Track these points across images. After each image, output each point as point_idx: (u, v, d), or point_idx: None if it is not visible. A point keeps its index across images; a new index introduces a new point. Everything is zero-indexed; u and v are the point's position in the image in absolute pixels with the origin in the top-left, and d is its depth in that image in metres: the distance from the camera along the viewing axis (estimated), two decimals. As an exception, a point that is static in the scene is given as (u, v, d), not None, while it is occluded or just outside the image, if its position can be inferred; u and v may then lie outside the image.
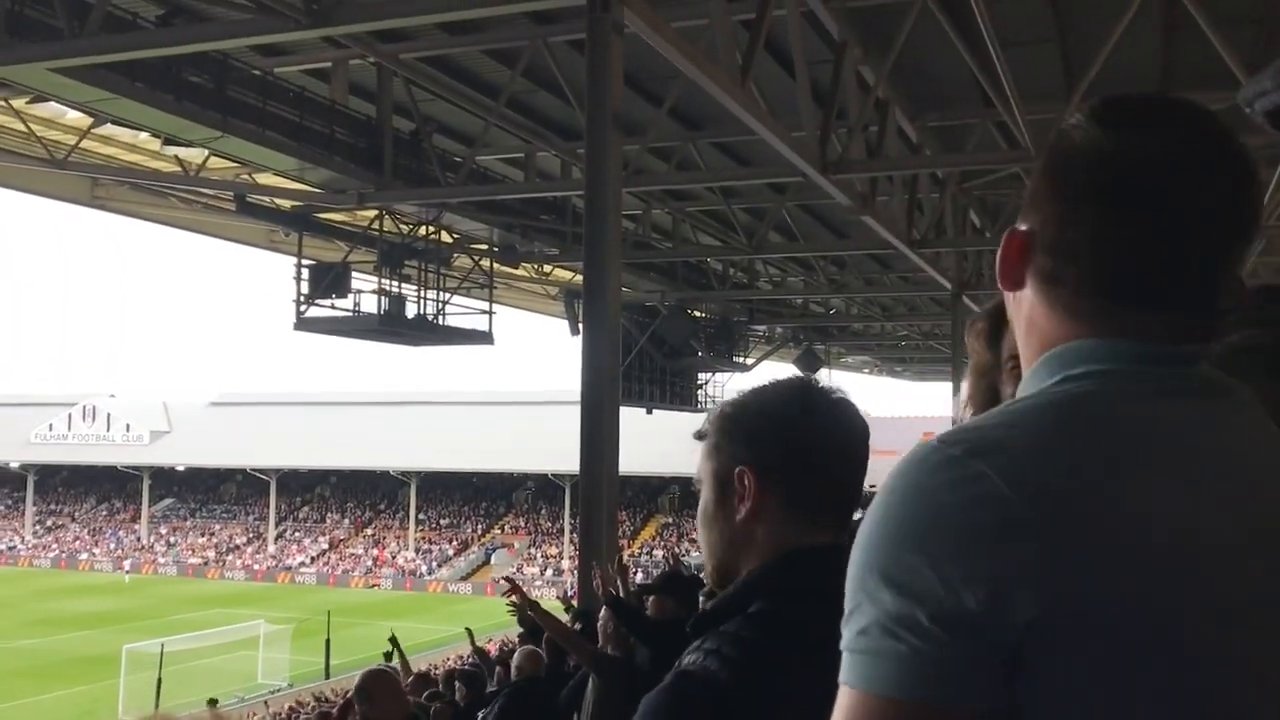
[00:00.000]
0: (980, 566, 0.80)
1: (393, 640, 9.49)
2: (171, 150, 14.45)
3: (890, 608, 0.81)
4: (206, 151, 13.84)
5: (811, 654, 0.99)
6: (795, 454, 1.35)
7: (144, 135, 13.94)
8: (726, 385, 29.63)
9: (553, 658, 6.88)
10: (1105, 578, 0.80)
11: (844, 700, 0.85)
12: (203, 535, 59.91)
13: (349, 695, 4.25)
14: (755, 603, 1.30)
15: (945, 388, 26.96)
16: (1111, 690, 0.81)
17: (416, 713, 5.81)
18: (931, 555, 0.81)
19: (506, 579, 6.84)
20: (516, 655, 7.50)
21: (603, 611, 6.05)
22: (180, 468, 63.03)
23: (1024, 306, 0.98)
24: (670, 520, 55.83)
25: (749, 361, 29.82)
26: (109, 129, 14.03)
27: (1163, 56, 11.38)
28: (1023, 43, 10.64)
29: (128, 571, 55.75)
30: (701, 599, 4.41)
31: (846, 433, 1.38)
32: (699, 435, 1.44)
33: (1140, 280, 0.91)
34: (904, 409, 54.77)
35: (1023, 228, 0.97)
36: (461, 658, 19.31)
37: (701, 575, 5.75)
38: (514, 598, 6.35)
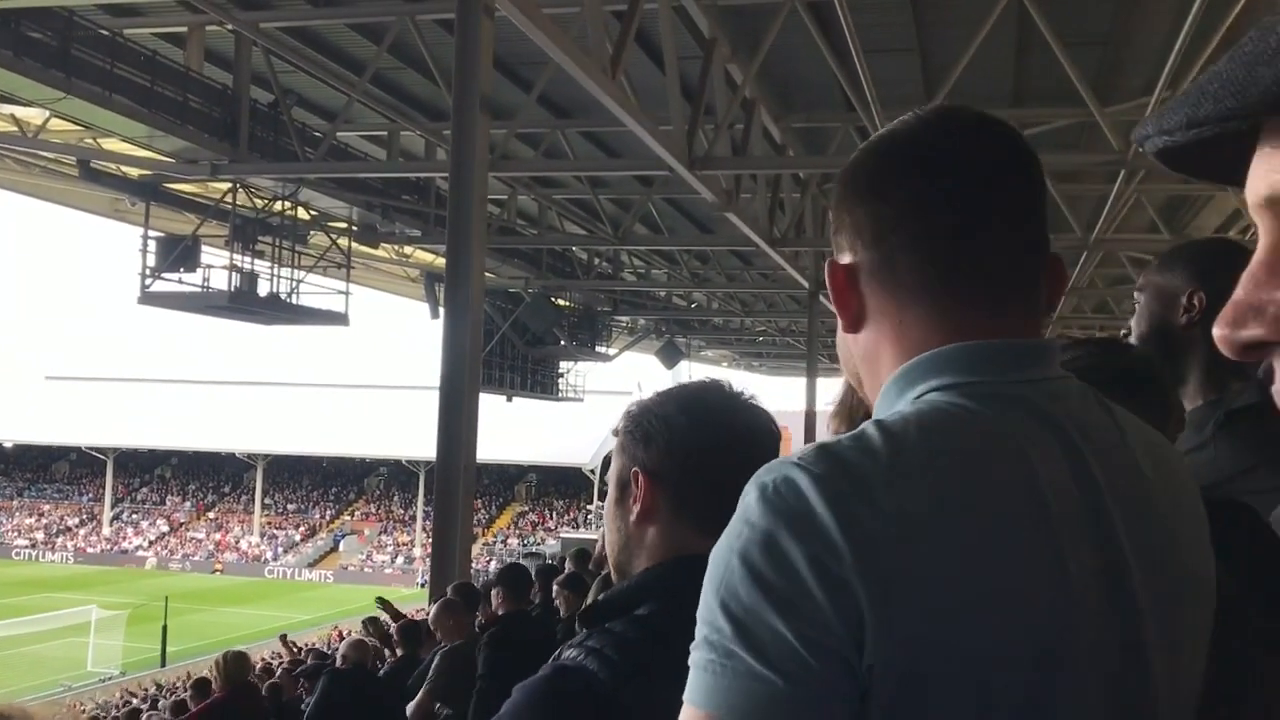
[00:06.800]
0: (838, 604, 0.75)
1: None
2: (8, 109, 13.62)
3: (756, 630, 0.75)
4: (47, 113, 13.11)
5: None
6: (680, 459, 1.36)
7: (-24, 91, 13.11)
8: (588, 375, 29.67)
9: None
10: (929, 629, 0.76)
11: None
12: (31, 515, 56.83)
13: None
14: (644, 605, 1.31)
15: (799, 383, 27.62)
16: None
17: None
18: (801, 583, 0.75)
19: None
20: (343, 646, 7.42)
21: (434, 607, 6.11)
22: (8, 444, 59.68)
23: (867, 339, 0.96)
24: (526, 509, 55.63)
25: (611, 352, 29.93)
26: (-64, 82, 13.12)
27: (1014, 72, 11.88)
28: (885, 51, 10.93)
29: None
30: (544, 586, 4.41)
31: (743, 439, 1.38)
32: (615, 432, 1.45)
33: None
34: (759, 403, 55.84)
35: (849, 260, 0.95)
36: (279, 655, 18.82)
37: (547, 564, 5.76)
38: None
